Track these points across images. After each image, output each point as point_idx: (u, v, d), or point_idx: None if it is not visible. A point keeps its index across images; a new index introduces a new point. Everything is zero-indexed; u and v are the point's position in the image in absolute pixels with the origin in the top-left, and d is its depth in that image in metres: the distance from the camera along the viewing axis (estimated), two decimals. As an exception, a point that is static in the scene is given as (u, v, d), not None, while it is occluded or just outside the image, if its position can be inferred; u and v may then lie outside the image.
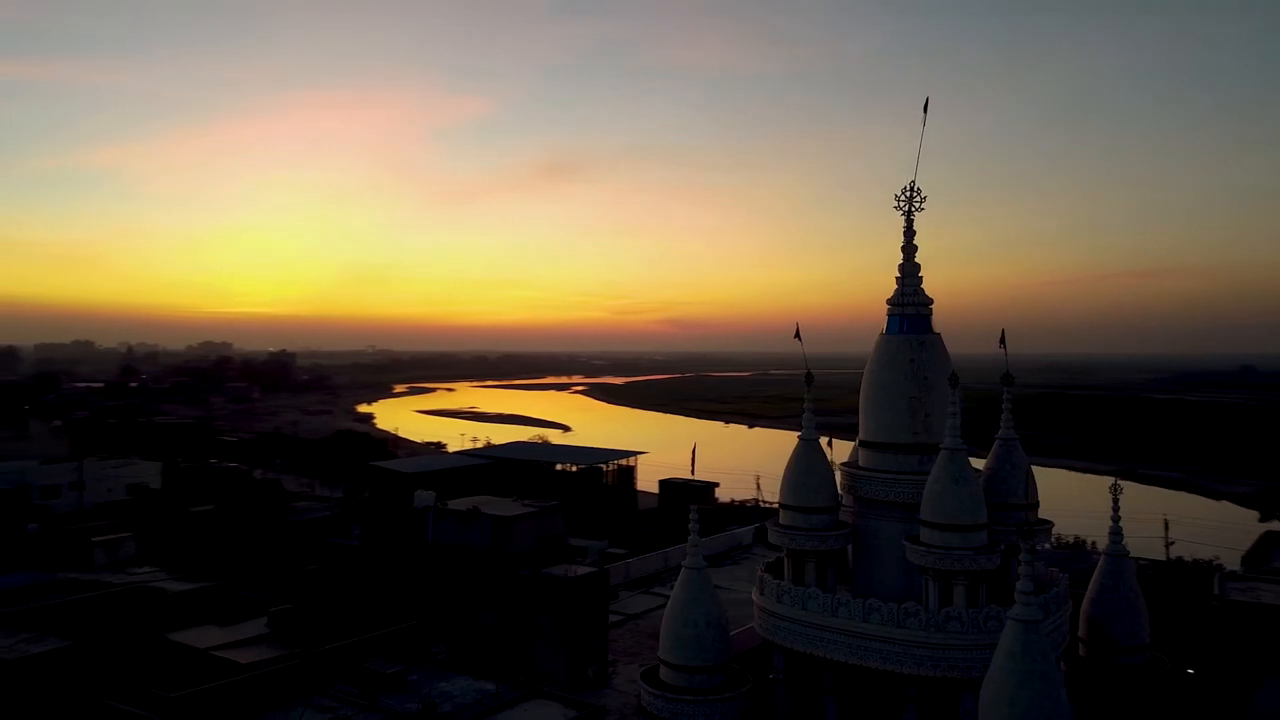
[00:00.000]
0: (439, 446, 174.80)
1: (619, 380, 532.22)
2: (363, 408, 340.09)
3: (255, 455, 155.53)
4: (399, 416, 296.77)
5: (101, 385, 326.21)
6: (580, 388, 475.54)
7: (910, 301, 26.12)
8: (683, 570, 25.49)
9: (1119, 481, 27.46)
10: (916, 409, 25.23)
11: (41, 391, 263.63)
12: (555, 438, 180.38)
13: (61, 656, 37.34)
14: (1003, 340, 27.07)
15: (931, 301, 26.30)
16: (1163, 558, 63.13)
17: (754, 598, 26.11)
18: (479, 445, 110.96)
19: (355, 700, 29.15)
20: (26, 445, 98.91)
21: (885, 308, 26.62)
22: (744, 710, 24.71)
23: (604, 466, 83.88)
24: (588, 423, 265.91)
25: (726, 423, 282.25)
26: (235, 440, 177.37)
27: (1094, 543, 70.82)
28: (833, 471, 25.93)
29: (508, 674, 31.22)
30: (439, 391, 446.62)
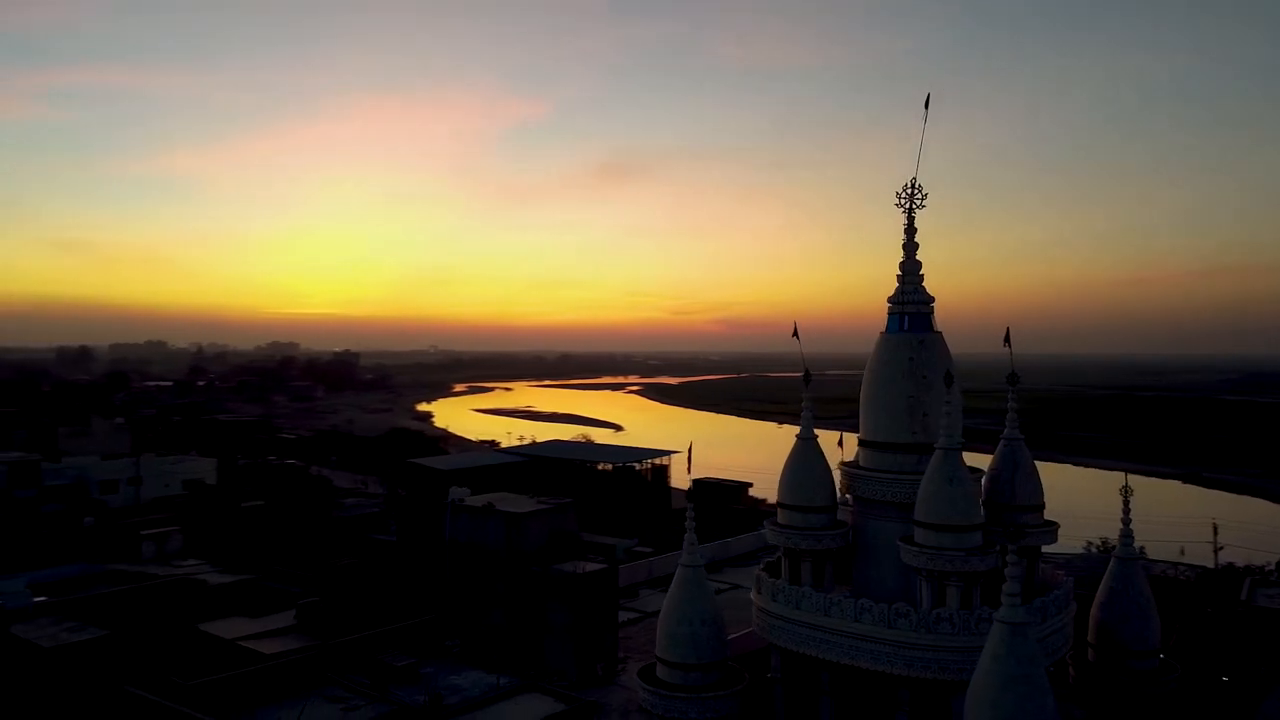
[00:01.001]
0: (492, 444, 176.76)
1: (674, 380, 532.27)
2: (422, 406, 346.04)
3: (312, 452, 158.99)
4: (456, 415, 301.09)
5: (170, 384, 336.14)
6: (635, 388, 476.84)
7: (910, 300, 25.87)
8: (679, 569, 25.64)
9: (1129, 484, 26.82)
10: (915, 408, 24.98)
11: (112, 390, 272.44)
12: (607, 437, 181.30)
13: (98, 645, 38.82)
14: (1007, 339, 26.82)
15: (933, 300, 26.01)
16: (1210, 564, 61.32)
17: (752, 597, 26.12)
18: (525, 443, 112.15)
19: (366, 691, 29.81)
20: (88, 442, 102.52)
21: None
22: (739, 708, 24.74)
23: (637, 465, 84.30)
24: (640, 423, 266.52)
25: (780, 423, 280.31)
26: (294, 438, 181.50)
27: (1142, 548, 69.04)
28: (830, 471, 25.84)
29: (519, 668, 31.64)
30: (497, 391, 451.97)
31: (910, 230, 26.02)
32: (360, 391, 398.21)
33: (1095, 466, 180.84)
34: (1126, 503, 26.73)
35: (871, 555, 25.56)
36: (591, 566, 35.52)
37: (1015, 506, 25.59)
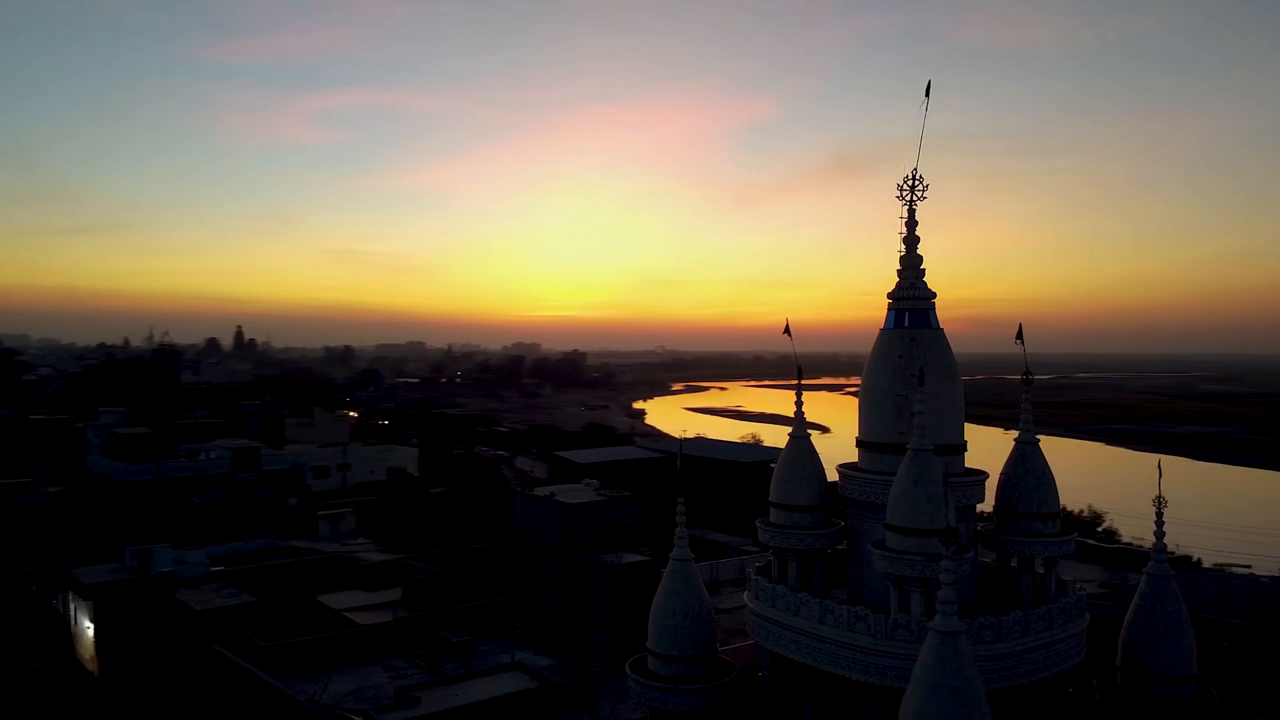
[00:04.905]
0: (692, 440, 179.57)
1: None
2: (638, 404, 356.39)
3: (520, 444, 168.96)
4: (668, 413, 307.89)
5: (416, 381, 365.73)
6: (853, 389, 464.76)
7: (907, 295, 25.09)
8: (669, 562, 26.13)
9: (1163, 495, 24.50)
10: (903, 408, 24.22)
11: (364, 386, 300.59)
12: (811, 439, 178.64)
13: (241, 610, 44.00)
14: (1019, 335, 25.48)
15: (934, 296, 25.13)
16: None
17: (745, 595, 26.21)
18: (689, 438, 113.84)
19: (418, 662, 32.37)
20: (313, 432, 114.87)
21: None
22: (723, 702, 24.99)
23: (771, 464, 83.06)
24: (848, 424, 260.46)
25: (1006, 429, 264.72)
26: (508, 431, 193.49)
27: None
28: (822, 471, 25.55)
29: (566, 651, 33.12)
30: (712, 390, 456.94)
31: (911, 224, 25.24)
32: (585, 389, 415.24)
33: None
34: (1159, 514, 24.50)
35: (863, 558, 24.96)
36: (632, 558, 36.42)
37: (1022, 513, 24.32)
